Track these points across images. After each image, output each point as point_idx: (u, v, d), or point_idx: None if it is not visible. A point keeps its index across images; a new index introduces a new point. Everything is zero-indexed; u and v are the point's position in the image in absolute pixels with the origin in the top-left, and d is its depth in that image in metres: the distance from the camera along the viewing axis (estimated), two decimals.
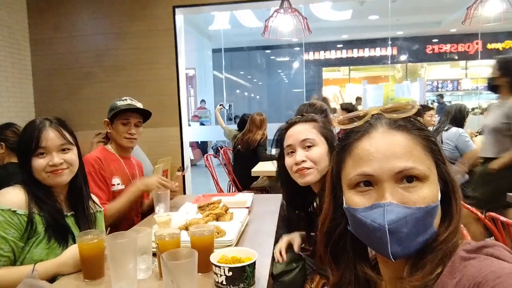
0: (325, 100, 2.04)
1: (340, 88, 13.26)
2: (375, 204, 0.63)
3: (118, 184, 2.00)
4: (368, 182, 0.65)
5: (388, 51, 10.66)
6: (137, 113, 2.05)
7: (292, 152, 1.33)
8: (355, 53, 11.79)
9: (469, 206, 1.61)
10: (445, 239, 0.63)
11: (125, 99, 2.05)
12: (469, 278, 0.55)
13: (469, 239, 1.13)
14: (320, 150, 1.31)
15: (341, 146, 0.72)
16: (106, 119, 2.04)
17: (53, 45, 4.25)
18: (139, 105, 2.07)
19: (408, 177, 0.63)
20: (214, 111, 5.84)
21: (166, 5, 4.01)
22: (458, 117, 3.40)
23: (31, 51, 4.26)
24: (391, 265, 0.69)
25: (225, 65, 11.17)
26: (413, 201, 0.62)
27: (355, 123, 0.70)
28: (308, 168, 1.29)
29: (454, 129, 3.32)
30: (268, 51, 12.57)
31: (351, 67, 12.97)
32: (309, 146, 1.30)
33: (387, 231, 0.60)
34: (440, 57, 11.40)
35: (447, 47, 11.14)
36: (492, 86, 2.88)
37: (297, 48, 11.59)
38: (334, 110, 5.30)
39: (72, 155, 1.40)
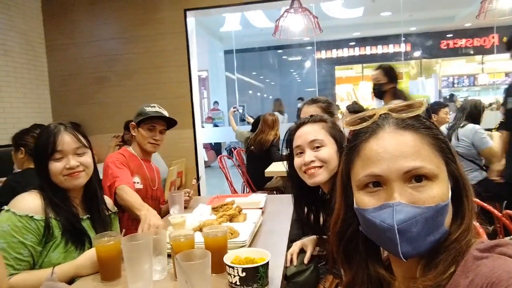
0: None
1: (354, 86, 13.15)
2: (384, 204, 0.63)
3: (137, 183, 2.04)
4: (377, 182, 0.65)
5: (402, 47, 10.51)
6: (163, 120, 2.12)
7: (301, 152, 1.33)
8: (368, 50, 11.67)
9: (485, 205, 1.59)
10: (457, 238, 0.63)
11: (154, 106, 2.12)
12: (482, 278, 0.55)
13: (483, 238, 1.12)
14: (329, 150, 1.30)
15: (349, 147, 0.72)
16: (133, 123, 2.11)
17: (68, 50, 4.34)
18: (166, 113, 2.14)
19: (417, 177, 0.63)
20: (228, 114, 5.86)
21: (177, 8, 4.05)
22: (474, 113, 3.33)
23: (47, 57, 4.36)
24: (404, 264, 0.69)
25: (237, 66, 11.19)
26: (422, 201, 0.62)
27: (363, 124, 0.70)
28: (318, 167, 1.29)
29: (470, 126, 3.26)
30: (280, 50, 12.54)
31: (364, 65, 12.84)
32: (318, 147, 1.30)
33: (397, 231, 0.60)
34: (455, 52, 11.18)
35: (462, 42, 10.92)
36: (379, 92, 3.09)
37: (309, 47, 11.54)
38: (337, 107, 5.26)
39: (87, 158, 1.43)
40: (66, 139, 1.39)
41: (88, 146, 1.46)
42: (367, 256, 0.75)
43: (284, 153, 1.46)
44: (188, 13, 4.05)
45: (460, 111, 3.45)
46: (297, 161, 1.34)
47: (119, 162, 1.95)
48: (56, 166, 1.36)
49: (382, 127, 0.67)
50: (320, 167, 1.29)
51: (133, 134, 2.12)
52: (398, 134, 0.66)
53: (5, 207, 1.28)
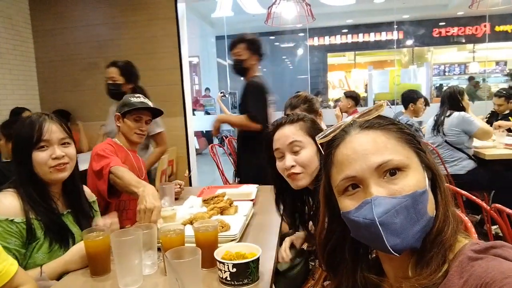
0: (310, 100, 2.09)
1: (346, 74, 13.13)
2: (363, 201, 0.65)
3: None
4: (355, 184, 0.67)
5: (394, 35, 10.47)
6: (148, 110, 2.09)
7: (282, 156, 1.32)
8: (361, 38, 11.62)
9: (473, 197, 1.60)
10: (439, 228, 0.64)
11: (138, 97, 2.09)
12: (476, 278, 0.55)
13: (474, 235, 1.13)
14: (308, 152, 1.29)
15: (324, 158, 0.75)
16: (118, 113, 2.07)
17: (56, 35, 4.23)
18: (150, 103, 2.11)
19: (391, 170, 0.65)
20: (216, 99, 5.81)
21: None
22: (453, 100, 3.34)
23: (34, 42, 4.25)
24: (395, 263, 0.70)
25: (230, 52, 11.06)
26: (398, 191, 0.63)
27: (332, 134, 0.73)
28: (298, 173, 1.29)
29: (456, 114, 3.27)
30: (272, 37, 12.42)
31: (357, 52, 12.80)
32: (297, 151, 1.29)
33: (378, 224, 0.61)
34: (447, 40, 11.18)
35: (454, 30, 10.92)
36: (241, 69, 2.87)
37: (302, 34, 11.45)
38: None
39: (72, 150, 1.40)
40: (53, 128, 1.34)
41: (72, 138, 1.42)
42: (354, 263, 0.77)
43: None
44: None
45: (441, 102, 3.47)
46: (279, 164, 1.33)
47: (108, 151, 1.92)
48: (40, 156, 1.31)
49: (349, 132, 0.71)
50: (301, 173, 1.29)
51: (118, 125, 2.08)
52: (363, 134, 0.69)
53: None
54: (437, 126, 3.37)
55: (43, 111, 1.48)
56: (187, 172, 2.78)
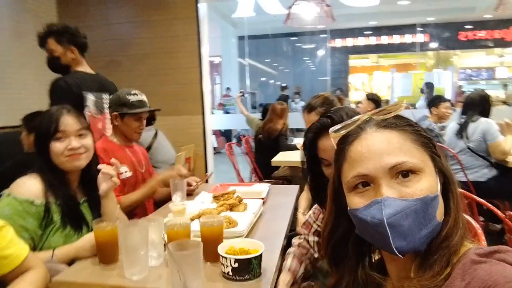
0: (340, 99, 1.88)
1: (368, 76, 12.98)
2: (373, 200, 0.64)
3: (126, 171, 2.02)
4: (366, 182, 0.67)
5: (419, 37, 10.28)
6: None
7: (329, 164, 1.21)
8: (384, 40, 11.44)
9: (489, 205, 1.56)
10: (447, 234, 0.64)
11: (135, 94, 2.07)
12: (478, 281, 0.55)
13: (482, 241, 1.11)
14: None
15: (337, 153, 0.74)
16: (115, 113, 2.04)
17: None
18: (145, 99, 2.11)
19: (403, 172, 0.64)
20: (236, 100, 5.85)
21: None
22: (483, 106, 3.22)
23: None
24: (399, 263, 0.70)
25: (251, 52, 11.12)
26: (410, 194, 0.63)
27: (347, 129, 0.72)
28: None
29: (482, 119, 3.16)
30: (294, 38, 12.41)
31: (380, 55, 12.63)
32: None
33: (386, 225, 0.61)
34: (474, 44, 10.89)
35: (482, 34, 10.62)
36: (60, 67, 2.37)
37: (324, 35, 11.39)
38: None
39: (88, 140, 1.45)
40: (69, 121, 1.41)
41: (89, 129, 1.48)
42: (357, 260, 0.77)
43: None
44: None
45: (469, 105, 3.34)
46: (327, 171, 1.22)
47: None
48: (57, 147, 1.37)
49: (364, 129, 0.70)
50: None
51: (115, 123, 2.06)
52: (379, 133, 0.68)
53: (6, 191, 1.30)
54: (461, 131, 3.27)
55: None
56: (209, 172, 2.75)
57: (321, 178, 1.25)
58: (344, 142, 0.72)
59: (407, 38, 11.01)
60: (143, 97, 2.10)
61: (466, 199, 1.76)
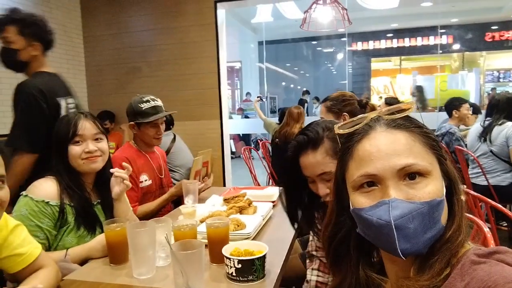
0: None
1: (391, 79, 12.76)
2: (380, 201, 0.63)
3: (145, 180, 2.08)
4: (372, 182, 0.66)
5: (443, 39, 10.04)
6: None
7: (313, 181, 1.20)
8: (406, 42, 11.24)
9: (502, 207, 1.52)
10: (450, 237, 0.63)
11: (148, 101, 2.08)
12: (478, 281, 0.55)
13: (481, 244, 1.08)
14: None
15: (343, 150, 0.73)
16: (132, 123, 2.07)
17: (104, 41, 4.50)
18: (161, 103, 2.12)
19: (411, 174, 0.63)
20: (253, 103, 5.89)
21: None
22: (510, 109, 3.10)
23: (84, 48, 4.55)
24: (399, 264, 0.69)
25: (271, 57, 11.15)
26: (418, 197, 0.62)
27: (355, 127, 0.71)
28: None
29: (509, 124, 3.04)
30: (314, 42, 12.37)
31: (402, 57, 12.41)
32: (328, 179, 1.15)
33: (393, 227, 0.61)
34: (501, 45, 10.53)
35: (509, 34, 10.27)
36: (15, 62, 1.97)
37: (344, 39, 11.31)
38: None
39: (104, 144, 1.51)
40: (87, 125, 1.47)
41: (104, 134, 1.53)
42: (358, 260, 0.76)
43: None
44: (218, 4, 4.08)
45: (495, 107, 3.22)
46: (312, 187, 1.21)
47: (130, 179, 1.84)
48: (75, 150, 1.44)
49: (374, 128, 0.68)
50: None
51: (134, 132, 2.09)
52: (389, 133, 0.67)
53: (23, 193, 1.37)
54: (485, 134, 3.16)
55: (90, 111, 1.61)
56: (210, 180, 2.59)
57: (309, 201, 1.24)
58: (351, 140, 0.70)
59: (430, 40, 10.78)
60: (157, 102, 2.11)
61: (480, 202, 1.72)
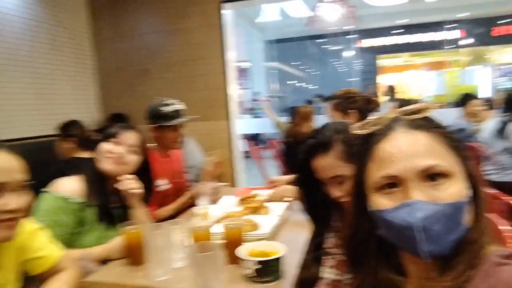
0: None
1: (400, 76, 12.65)
2: (403, 203, 0.63)
3: (164, 184, 2.07)
4: (393, 183, 0.65)
5: (452, 34, 9.91)
6: None
7: (325, 183, 1.17)
8: (413, 38, 11.13)
9: None
10: (473, 238, 0.63)
11: (167, 104, 2.07)
12: (501, 283, 0.55)
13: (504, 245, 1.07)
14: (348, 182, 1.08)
15: (361, 152, 0.72)
16: (152, 126, 2.06)
17: (114, 44, 4.53)
18: (181, 107, 2.11)
19: (432, 175, 0.62)
20: (262, 105, 5.88)
21: (213, 1, 4.10)
22: None
23: (95, 50, 4.58)
24: (421, 265, 0.69)
25: (279, 56, 11.14)
26: (441, 198, 0.61)
27: (374, 127, 0.70)
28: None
29: None
30: (321, 40, 12.32)
31: (410, 54, 12.29)
32: (341, 182, 1.13)
33: (417, 229, 0.60)
34: (510, 39, 10.36)
35: None
36: None
37: (351, 36, 11.25)
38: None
39: (134, 158, 1.53)
40: (129, 134, 1.51)
41: (142, 150, 1.56)
42: (379, 261, 0.75)
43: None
44: (223, 5, 4.09)
45: (510, 102, 3.16)
46: (327, 189, 1.18)
47: None
48: (103, 146, 1.47)
49: (393, 128, 0.68)
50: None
51: (153, 135, 2.08)
52: (410, 134, 0.66)
53: (46, 189, 1.39)
54: (501, 130, 3.09)
55: (101, 115, 1.63)
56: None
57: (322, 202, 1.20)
58: (370, 141, 0.70)
59: (438, 36, 10.66)
60: (178, 106, 2.09)
61: (497, 200, 1.69)
